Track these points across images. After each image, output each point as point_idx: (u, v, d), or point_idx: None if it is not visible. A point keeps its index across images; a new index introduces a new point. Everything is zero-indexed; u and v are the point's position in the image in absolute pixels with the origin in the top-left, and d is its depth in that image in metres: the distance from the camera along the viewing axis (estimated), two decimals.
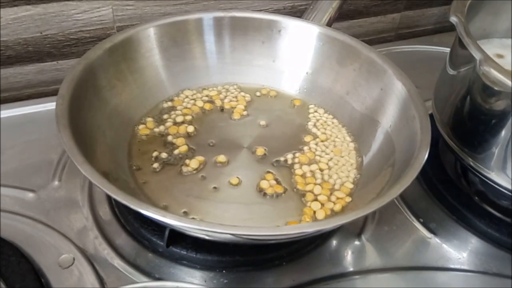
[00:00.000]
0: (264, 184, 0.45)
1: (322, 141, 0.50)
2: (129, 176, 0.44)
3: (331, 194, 0.44)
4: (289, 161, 0.47)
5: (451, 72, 0.46)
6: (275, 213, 0.43)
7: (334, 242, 0.45)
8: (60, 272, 0.40)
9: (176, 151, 0.47)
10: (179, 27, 0.51)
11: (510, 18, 0.51)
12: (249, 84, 0.55)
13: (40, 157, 0.49)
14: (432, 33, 0.77)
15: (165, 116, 0.50)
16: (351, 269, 0.43)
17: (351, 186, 0.45)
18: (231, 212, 0.43)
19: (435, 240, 0.46)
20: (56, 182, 0.47)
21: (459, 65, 0.45)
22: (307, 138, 0.50)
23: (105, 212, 0.45)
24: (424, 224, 0.47)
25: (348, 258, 0.44)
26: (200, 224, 0.34)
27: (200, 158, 0.46)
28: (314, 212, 0.43)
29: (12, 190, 0.46)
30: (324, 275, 0.42)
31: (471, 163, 0.44)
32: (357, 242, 0.45)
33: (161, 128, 0.49)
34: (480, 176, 0.44)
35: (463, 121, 0.45)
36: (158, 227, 0.42)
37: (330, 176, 0.46)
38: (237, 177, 0.45)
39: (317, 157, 0.48)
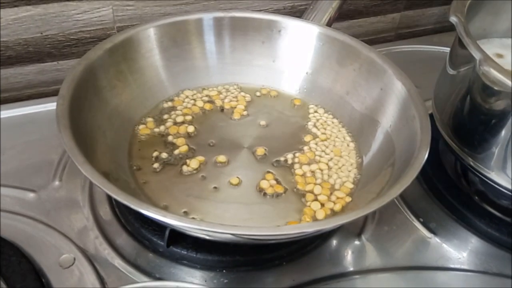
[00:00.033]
0: (264, 184, 0.45)
1: (322, 141, 0.50)
2: (130, 176, 0.44)
3: (331, 194, 0.44)
4: (289, 161, 0.47)
5: (451, 72, 0.46)
6: (275, 213, 0.43)
7: (334, 242, 0.45)
8: (61, 272, 0.40)
9: (176, 151, 0.47)
10: (179, 27, 0.51)
11: (510, 18, 0.51)
12: (249, 84, 0.55)
13: (41, 157, 0.49)
14: (432, 33, 0.77)
15: (165, 116, 0.50)
16: (351, 269, 0.43)
17: (351, 186, 0.45)
18: (231, 212, 0.43)
19: (435, 240, 0.46)
20: (57, 182, 0.47)
21: (459, 65, 0.45)
22: (307, 138, 0.50)
23: (105, 212, 0.45)
24: (424, 224, 0.47)
25: (348, 258, 0.44)
26: (200, 224, 0.34)
27: (200, 158, 0.47)
28: (314, 212, 0.43)
29: (12, 190, 0.46)
30: (324, 275, 0.42)
31: (471, 163, 0.45)
32: (357, 242, 0.45)
33: (161, 128, 0.49)
34: (480, 176, 0.44)
35: (463, 121, 0.45)
36: (158, 227, 0.42)
37: (330, 176, 0.46)
38: (237, 177, 0.45)
39: (317, 157, 0.48)
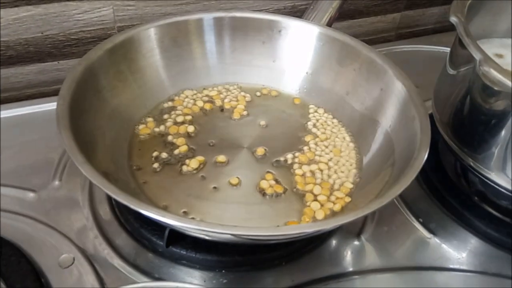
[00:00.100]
0: (264, 184, 0.45)
1: (322, 141, 0.50)
2: (129, 176, 0.44)
3: (330, 194, 0.44)
4: (289, 161, 0.47)
5: (451, 72, 0.46)
6: (275, 213, 0.43)
7: (333, 242, 0.45)
8: (60, 272, 0.40)
9: (176, 151, 0.47)
10: (179, 27, 0.51)
11: (510, 18, 0.51)
12: (249, 84, 0.55)
13: (41, 157, 0.49)
14: (432, 33, 0.77)
15: (166, 116, 0.50)
16: (351, 269, 0.43)
17: (351, 186, 0.45)
18: (231, 212, 0.43)
19: (434, 240, 0.46)
20: (57, 182, 0.47)
21: (459, 65, 0.45)
22: (307, 138, 0.50)
23: (105, 212, 0.45)
24: (424, 224, 0.47)
25: (348, 258, 0.44)
26: (200, 224, 0.34)
27: (200, 158, 0.47)
28: (314, 212, 0.43)
29: (12, 190, 0.46)
30: (323, 275, 0.42)
31: (471, 163, 0.45)
32: (356, 242, 0.45)
33: (161, 128, 0.49)
34: (480, 176, 0.44)
35: (463, 121, 0.45)
36: (158, 227, 0.42)
37: (330, 176, 0.46)
38: (237, 177, 0.45)
39: (317, 157, 0.48)
